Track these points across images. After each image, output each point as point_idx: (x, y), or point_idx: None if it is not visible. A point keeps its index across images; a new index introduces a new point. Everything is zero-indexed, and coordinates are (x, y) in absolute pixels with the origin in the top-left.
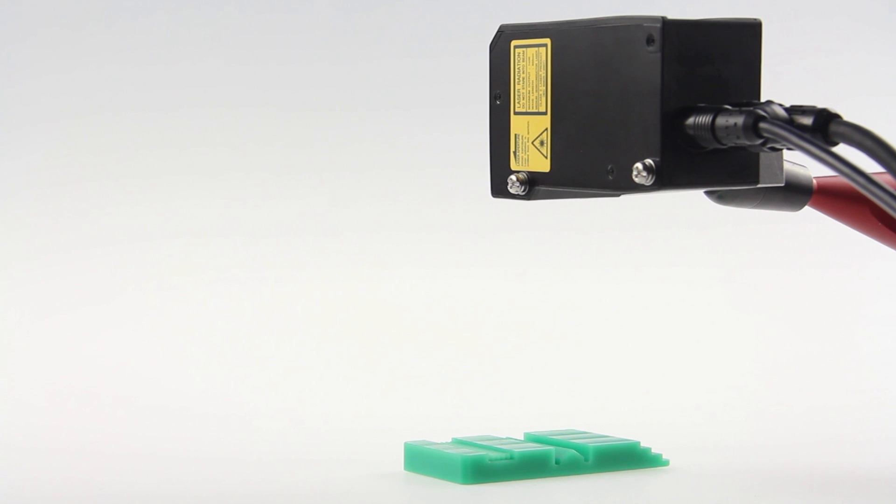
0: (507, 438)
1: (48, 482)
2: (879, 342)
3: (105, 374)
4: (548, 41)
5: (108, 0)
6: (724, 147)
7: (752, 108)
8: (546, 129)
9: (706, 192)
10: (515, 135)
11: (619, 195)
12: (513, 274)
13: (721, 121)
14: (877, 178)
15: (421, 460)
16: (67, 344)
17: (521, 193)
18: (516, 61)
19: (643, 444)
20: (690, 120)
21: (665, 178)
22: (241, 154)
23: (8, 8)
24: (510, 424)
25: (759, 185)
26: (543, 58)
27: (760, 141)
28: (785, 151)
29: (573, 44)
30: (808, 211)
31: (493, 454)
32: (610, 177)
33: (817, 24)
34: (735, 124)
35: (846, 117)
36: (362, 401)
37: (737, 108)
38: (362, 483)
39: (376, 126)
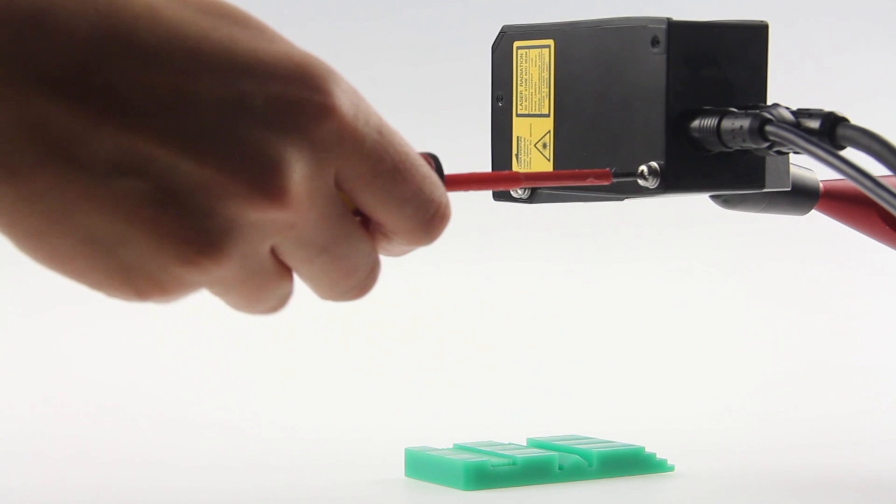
0: (509, 444)
1: (42, 488)
2: (887, 346)
3: (102, 377)
4: (551, 42)
5: None
6: (730, 150)
7: (758, 111)
8: (549, 132)
9: (711, 197)
10: (517, 137)
11: (622, 199)
12: (516, 278)
13: (727, 124)
14: (884, 182)
15: (422, 466)
16: (59, 343)
17: (523, 197)
18: (519, 62)
19: (648, 449)
20: (696, 123)
21: (670, 182)
22: None
23: None
24: (513, 430)
25: (765, 190)
26: (546, 59)
27: (767, 144)
28: (791, 155)
29: (577, 45)
30: (814, 215)
31: (495, 460)
32: (614, 180)
33: (824, 27)
34: (741, 127)
35: (853, 121)
36: (363, 406)
37: (743, 111)
38: (362, 489)
39: None
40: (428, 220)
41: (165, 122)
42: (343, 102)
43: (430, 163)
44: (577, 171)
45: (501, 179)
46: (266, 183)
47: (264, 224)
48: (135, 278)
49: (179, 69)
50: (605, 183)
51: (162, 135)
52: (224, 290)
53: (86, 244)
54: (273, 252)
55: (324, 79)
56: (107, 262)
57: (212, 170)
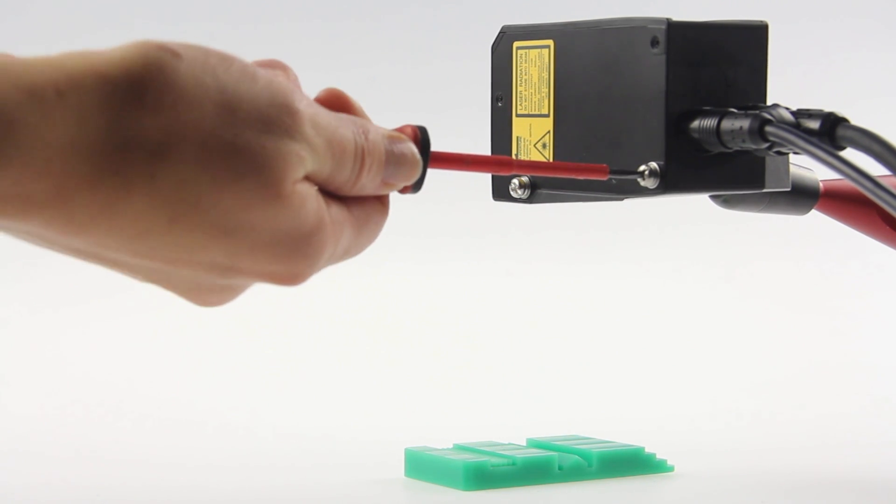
0: (509, 444)
1: (42, 488)
2: (887, 346)
3: (102, 376)
4: (551, 42)
5: (109, 0)
6: (730, 151)
7: (758, 112)
8: (549, 132)
9: (711, 197)
10: (517, 137)
11: (622, 199)
12: (515, 278)
13: (727, 124)
14: (884, 182)
15: (422, 466)
16: (59, 343)
17: (523, 197)
18: (518, 63)
19: (647, 450)
20: (695, 123)
21: (670, 182)
22: None
23: (9, 8)
24: (512, 430)
25: (764, 190)
26: (546, 59)
27: (766, 145)
28: (791, 155)
29: (576, 45)
30: (814, 215)
31: (495, 460)
32: (613, 180)
33: (824, 27)
34: (741, 128)
35: (853, 121)
36: (362, 406)
37: (742, 112)
38: (362, 489)
39: None
40: None
41: (144, 276)
42: (308, 278)
43: (416, 134)
44: (572, 163)
45: (492, 163)
46: (211, 305)
47: None
48: None
49: (174, 261)
50: (601, 178)
51: (136, 276)
52: None
53: None
54: None
55: (308, 267)
56: None
57: (171, 291)
